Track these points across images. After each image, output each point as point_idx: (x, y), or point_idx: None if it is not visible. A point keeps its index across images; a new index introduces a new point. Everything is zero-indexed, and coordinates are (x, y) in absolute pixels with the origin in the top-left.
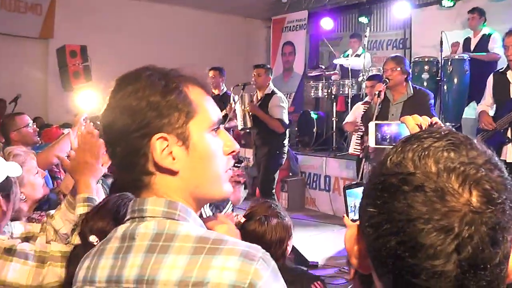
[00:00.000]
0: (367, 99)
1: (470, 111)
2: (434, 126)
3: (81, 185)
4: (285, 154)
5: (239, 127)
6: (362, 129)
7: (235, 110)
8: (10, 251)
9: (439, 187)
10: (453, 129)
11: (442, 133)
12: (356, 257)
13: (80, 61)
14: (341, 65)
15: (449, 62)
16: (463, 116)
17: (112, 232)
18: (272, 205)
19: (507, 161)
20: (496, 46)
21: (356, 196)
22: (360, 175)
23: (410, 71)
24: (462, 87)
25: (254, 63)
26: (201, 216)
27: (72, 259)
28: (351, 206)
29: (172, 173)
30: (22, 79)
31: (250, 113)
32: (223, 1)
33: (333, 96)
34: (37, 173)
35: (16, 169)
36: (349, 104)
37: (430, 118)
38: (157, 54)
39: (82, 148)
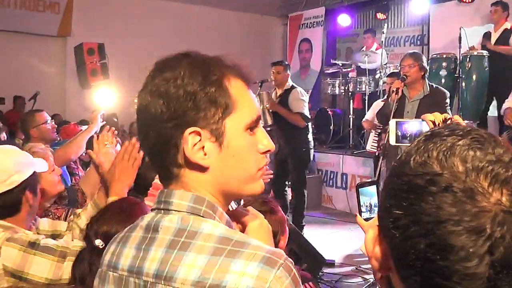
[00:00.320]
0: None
1: (494, 110)
2: (448, 122)
3: (114, 190)
4: (312, 150)
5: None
6: (380, 126)
7: None
8: (34, 245)
9: (468, 187)
10: (474, 125)
11: (465, 130)
12: (377, 259)
13: (98, 59)
14: (357, 65)
15: (468, 59)
16: (488, 114)
17: (139, 219)
18: (266, 200)
19: None
20: None
21: (369, 194)
22: (377, 173)
23: (428, 68)
24: (481, 84)
25: (271, 60)
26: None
27: (78, 264)
28: (366, 206)
29: (202, 168)
30: (40, 77)
31: (270, 110)
32: None
33: (350, 93)
34: (53, 170)
35: (43, 165)
36: (366, 101)
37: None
38: (174, 52)
39: (124, 158)
